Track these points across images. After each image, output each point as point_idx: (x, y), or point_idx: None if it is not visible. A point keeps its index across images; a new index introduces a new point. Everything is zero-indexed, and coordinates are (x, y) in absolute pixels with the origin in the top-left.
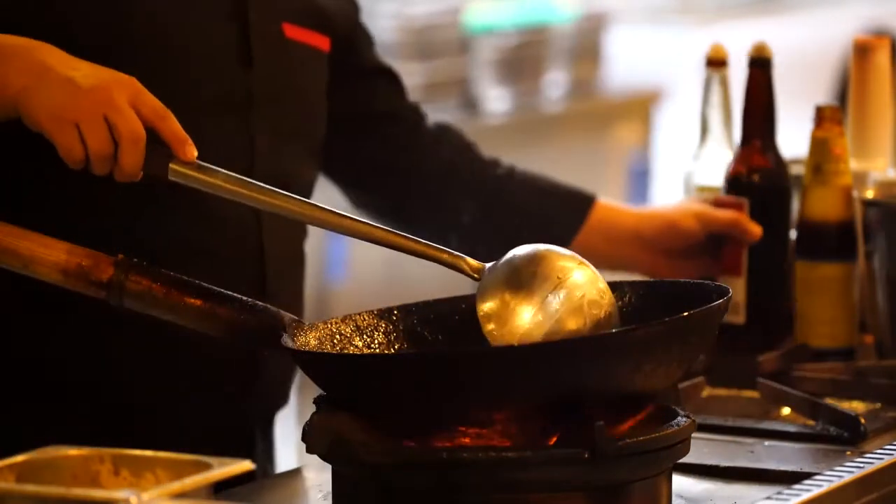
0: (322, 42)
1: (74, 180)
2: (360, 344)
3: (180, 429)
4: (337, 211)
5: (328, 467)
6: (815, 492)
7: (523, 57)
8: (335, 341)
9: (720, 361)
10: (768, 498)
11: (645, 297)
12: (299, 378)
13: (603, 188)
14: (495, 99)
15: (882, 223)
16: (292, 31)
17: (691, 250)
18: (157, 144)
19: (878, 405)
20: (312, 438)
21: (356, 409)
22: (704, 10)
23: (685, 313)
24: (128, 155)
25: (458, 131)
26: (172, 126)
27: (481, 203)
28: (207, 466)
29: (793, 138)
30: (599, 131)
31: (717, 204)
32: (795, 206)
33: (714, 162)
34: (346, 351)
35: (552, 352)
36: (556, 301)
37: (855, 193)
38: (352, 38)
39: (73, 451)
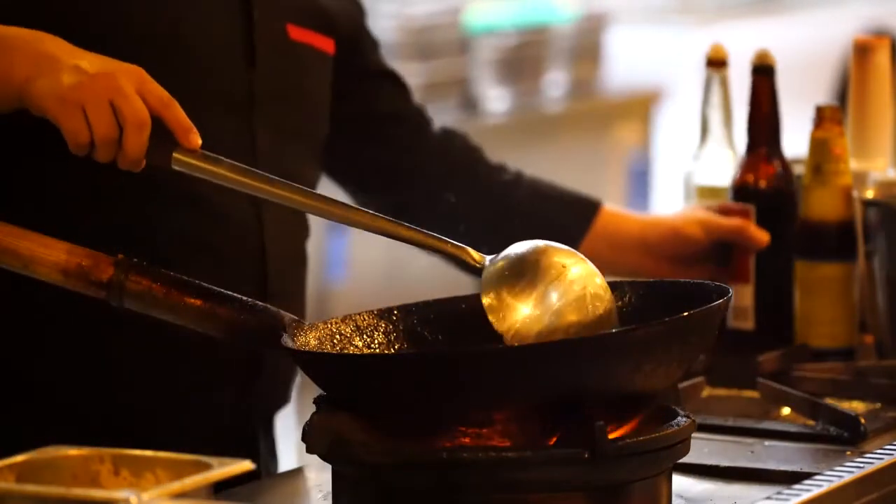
0: (326, 44)
1: (76, 177)
2: (360, 344)
3: (180, 429)
4: (341, 201)
5: (328, 467)
6: (815, 492)
7: (523, 57)
8: (335, 341)
9: (720, 361)
10: (768, 498)
11: (645, 297)
12: (300, 378)
13: (603, 188)
14: (495, 99)
15: (882, 223)
16: (296, 33)
17: (696, 257)
18: (161, 133)
19: (878, 405)
20: (312, 438)
21: (356, 409)
22: (704, 10)
23: (685, 313)
24: (132, 140)
25: (465, 135)
26: (177, 114)
27: (486, 207)
28: (207, 466)
29: (793, 138)
30: (599, 131)
31: (724, 211)
32: None
33: (714, 162)
34: (346, 351)
35: (552, 352)
36: (555, 294)
37: (855, 193)
38: (356, 40)
39: (73, 451)
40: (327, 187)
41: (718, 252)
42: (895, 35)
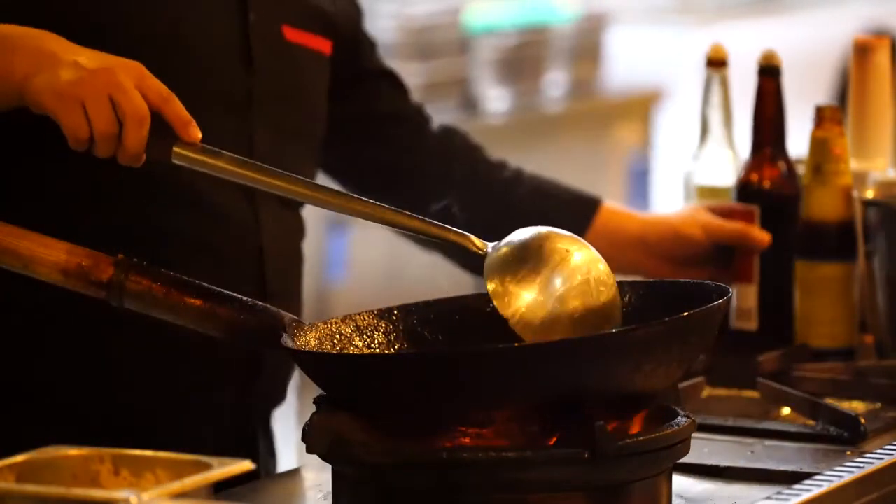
0: (323, 45)
1: (76, 176)
2: (360, 344)
3: (180, 429)
4: (342, 191)
5: (328, 467)
6: (815, 492)
7: (523, 57)
8: (335, 341)
9: (720, 361)
10: (768, 498)
11: (645, 297)
12: (299, 378)
13: (603, 188)
14: (495, 99)
15: (882, 223)
16: (292, 34)
17: (695, 259)
18: (160, 128)
19: (878, 405)
20: (312, 438)
21: (356, 409)
22: (704, 10)
23: (685, 313)
24: (132, 135)
25: (465, 134)
26: (176, 108)
27: (486, 205)
28: (207, 466)
29: (793, 138)
30: (599, 131)
31: (728, 211)
32: None
33: (714, 162)
34: (346, 351)
35: (552, 352)
36: (560, 279)
37: (855, 193)
38: (354, 41)
39: (73, 451)
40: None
41: (720, 254)
42: (895, 35)
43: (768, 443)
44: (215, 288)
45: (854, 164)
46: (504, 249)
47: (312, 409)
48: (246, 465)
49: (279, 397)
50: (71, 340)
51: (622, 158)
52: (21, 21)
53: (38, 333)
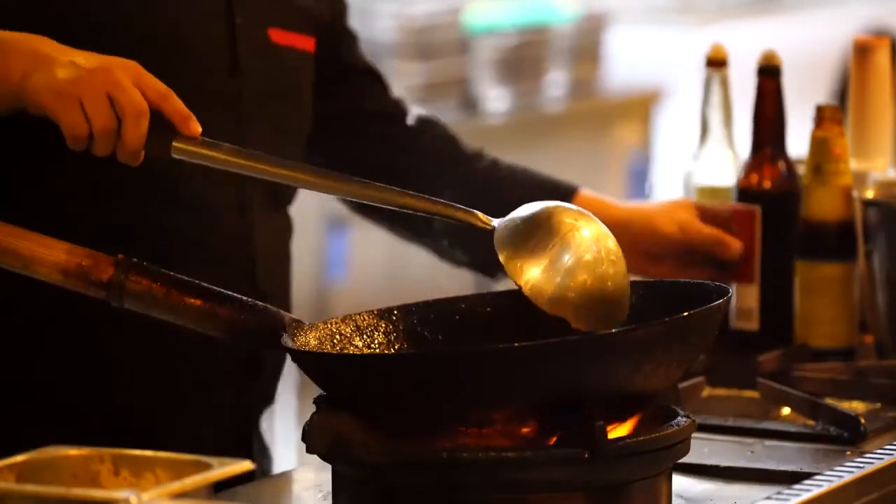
0: (307, 43)
1: (75, 176)
2: (360, 344)
3: (180, 429)
4: (344, 175)
5: (328, 467)
6: (815, 492)
7: (523, 57)
8: (335, 341)
9: (720, 361)
10: (768, 498)
11: (645, 297)
12: (299, 378)
13: (603, 188)
14: (495, 99)
15: (882, 223)
16: (278, 36)
17: (668, 255)
18: (159, 124)
19: (878, 405)
20: (312, 438)
21: (356, 409)
22: (704, 10)
23: (685, 313)
24: (131, 131)
25: (443, 124)
26: (175, 104)
27: (465, 195)
28: (207, 466)
29: (793, 138)
30: (599, 131)
31: (730, 212)
32: None
33: (714, 162)
34: (346, 351)
35: (552, 352)
36: (570, 250)
37: (855, 193)
38: (336, 35)
39: (73, 451)
40: None
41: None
42: (895, 35)
43: (768, 443)
44: (215, 288)
45: (854, 164)
46: (514, 221)
47: (312, 409)
48: (246, 465)
49: (273, 397)
50: (71, 340)
51: (622, 158)
52: (21, 21)
53: (38, 333)
